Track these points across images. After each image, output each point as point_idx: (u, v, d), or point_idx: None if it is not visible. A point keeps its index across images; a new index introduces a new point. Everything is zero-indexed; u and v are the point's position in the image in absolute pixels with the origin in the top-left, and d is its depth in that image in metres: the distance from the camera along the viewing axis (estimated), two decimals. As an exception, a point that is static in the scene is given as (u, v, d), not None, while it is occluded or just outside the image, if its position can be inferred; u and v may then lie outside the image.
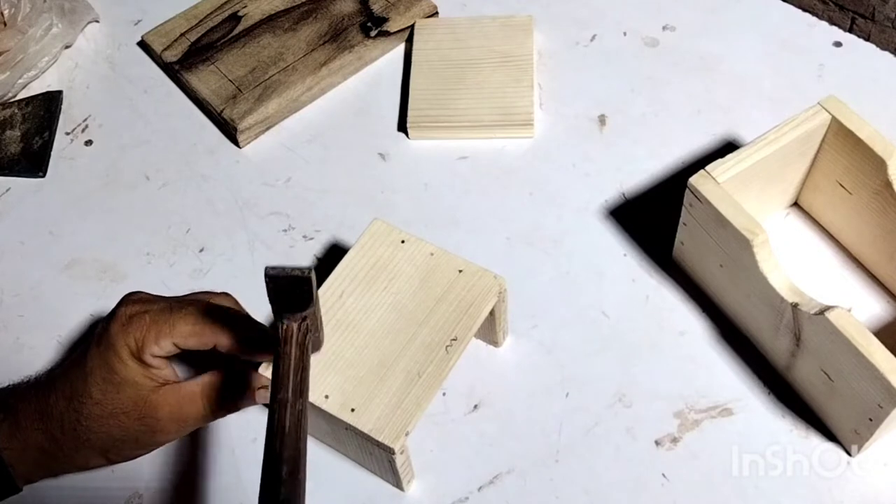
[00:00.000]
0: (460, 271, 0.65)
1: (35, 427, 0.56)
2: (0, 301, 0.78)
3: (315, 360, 0.60)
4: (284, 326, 0.52)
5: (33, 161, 0.85)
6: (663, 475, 0.66)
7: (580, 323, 0.73)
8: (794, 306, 0.62)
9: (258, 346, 0.57)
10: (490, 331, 0.70)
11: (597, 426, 0.68)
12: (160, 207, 0.82)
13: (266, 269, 0.50)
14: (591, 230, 0.78)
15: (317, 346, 0.59)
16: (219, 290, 0.76)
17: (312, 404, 0.60)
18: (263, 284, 0.76)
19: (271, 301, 0.51)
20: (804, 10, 0.90)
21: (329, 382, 0.61)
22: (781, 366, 0.68)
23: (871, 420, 0.60)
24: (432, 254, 0.66)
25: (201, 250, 0.80)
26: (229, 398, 0.59)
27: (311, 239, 0.79)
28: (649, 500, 0.65)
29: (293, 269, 0.50)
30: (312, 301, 0.52)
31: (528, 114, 0.82)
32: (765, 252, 0.63)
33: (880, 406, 0.59)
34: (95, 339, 0.57)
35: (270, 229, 0.80)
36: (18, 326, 0.76)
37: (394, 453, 0.59)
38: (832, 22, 0.89)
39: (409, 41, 0.90)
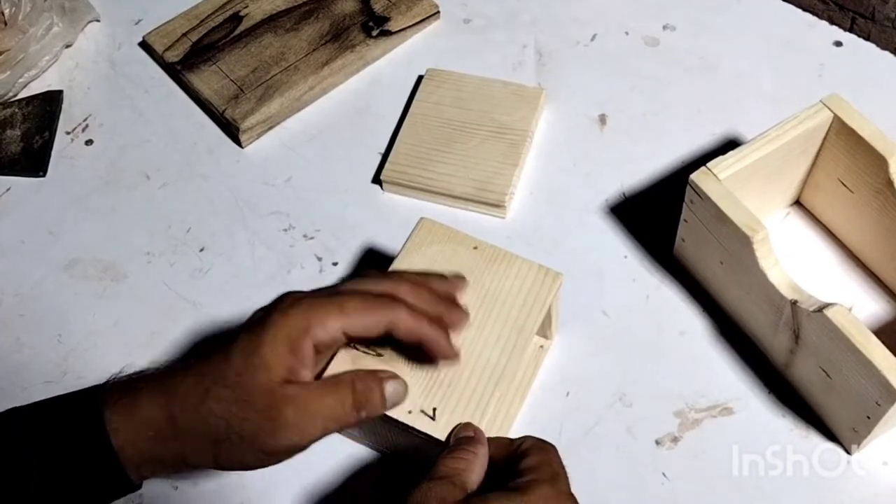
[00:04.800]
0: (513, 267, 0.65)
1: (155, 403, 0.52)
2: (0, 301, 0.78)
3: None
4: None
5: (33, 160, 0.85)
6: (663, 475, 0.66)
7: (580, 323, 0.73)
8: (794, 303, 0.61)
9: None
10: (545, 325, 0.69)
11: (597, 426, 0.68)
12: (160, 207, 0.82)
13: None
14: (592, 229, 0.78)
15: None
16: (220, 289, 0.77)
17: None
18: (263, 284, 0.77)
19: None
20: (804, 10, 0.90)
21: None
22: (780, 364, 0.68)
23: (869, 418, 0.60)
24: (475, 247, 0.66)
25: (201, 250, 0.80)
26: (364, 394, 0.54)
27: (312, 239, 0.79)
28: (649, 500, 0.65)
29: None
30: None
31: (502, 194, 0.78)
32: (764, 249, 0.63)
33: (878, 404, 0.58)
34: (247, 325, 0.53)
35: (270, 229, 0.80)
36: (18, 326, 0.76)
37: None
38: (832, 22, 0.89)
39: (416, 87, 0.87)
